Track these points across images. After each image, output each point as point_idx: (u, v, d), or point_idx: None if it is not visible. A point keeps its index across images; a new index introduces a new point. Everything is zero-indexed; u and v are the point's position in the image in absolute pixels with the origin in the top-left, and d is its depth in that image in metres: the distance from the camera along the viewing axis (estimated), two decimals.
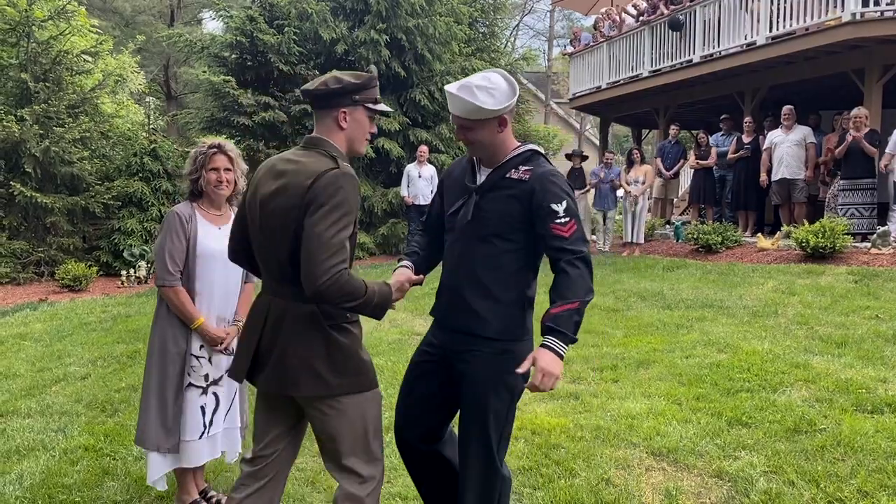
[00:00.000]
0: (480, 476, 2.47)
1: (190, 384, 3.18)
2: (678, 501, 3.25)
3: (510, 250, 2.45)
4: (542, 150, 2.54)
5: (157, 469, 3.18)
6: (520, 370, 2.26)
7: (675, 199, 14.52)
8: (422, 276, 2.71)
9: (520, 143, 2.53)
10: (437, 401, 2.63)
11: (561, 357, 2.25)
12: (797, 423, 3.97)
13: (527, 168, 2.43)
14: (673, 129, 13.38)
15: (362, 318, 2.41)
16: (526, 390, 2.37)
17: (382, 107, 2.45)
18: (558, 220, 2.35)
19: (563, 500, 3.28)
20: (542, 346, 2.26)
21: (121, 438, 4.28)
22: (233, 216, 3.19)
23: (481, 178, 2.53)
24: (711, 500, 3.27)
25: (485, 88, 2.34)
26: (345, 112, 2.34)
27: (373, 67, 2.52)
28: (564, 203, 2.37)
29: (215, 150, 3.19)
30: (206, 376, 3.23)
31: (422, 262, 2.78)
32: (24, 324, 8.00)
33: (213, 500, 3.40)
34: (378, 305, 2.28)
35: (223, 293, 3.25)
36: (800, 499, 3.18)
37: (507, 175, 2.46)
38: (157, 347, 3.18)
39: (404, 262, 2.72)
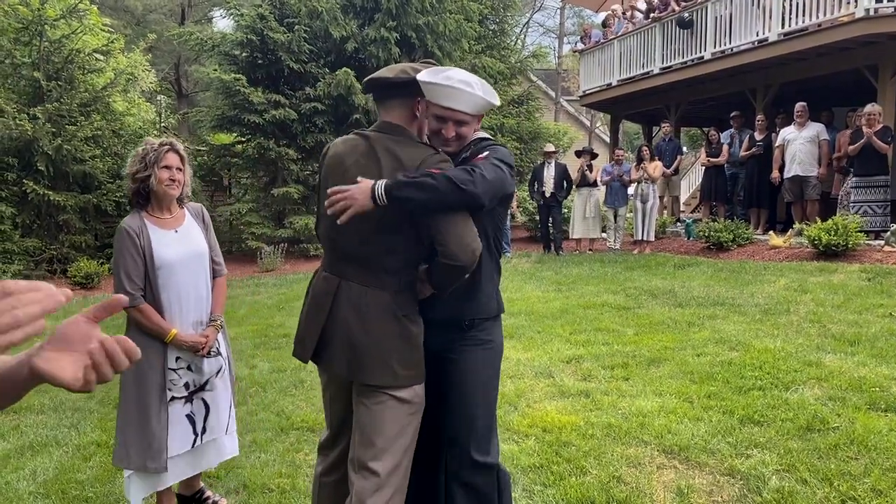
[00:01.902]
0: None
1: (172, 398, 3.06)
2: (690, 499, 3.24)
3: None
4: (488, 135, 2.53)
5: (139, 490, 3.05)
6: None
7: (681, 197, 14.45)
8: None
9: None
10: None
11: (374, 191, 2.17)
12: (810, 422, 3.94)
13: (478, 151, 2.41)
14: (665, 127, 13.44)
15: None
16: None
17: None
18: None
19: (574, 497, 3.27)
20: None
21: None
22: (186, 217, 3.17)
23: None
24: (723, 499, 3.25)
25: (480, 85, 2.36)
26: (419, 101, 2.38)
27: (433, 61, 2.56)
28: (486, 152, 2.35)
29: (168, 147, 3.05)
30: (187, 384, 3.10)
31: None
32: None
33: (209, 501, 3.37)
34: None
35: (194, 297, 3.11)
36: (812, 497, 3.16)
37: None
38: (132, 367, 3.06)
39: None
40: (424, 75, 2.34)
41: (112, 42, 13.82)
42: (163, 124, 14.34)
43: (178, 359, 3.07)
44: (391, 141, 2.33)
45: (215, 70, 14.33)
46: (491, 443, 2.48)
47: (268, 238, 13.93)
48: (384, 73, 2.37)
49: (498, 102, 2.39)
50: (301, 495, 3.41)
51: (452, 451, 2.43)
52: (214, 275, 3.25)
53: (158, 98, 23.41)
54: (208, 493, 3.42)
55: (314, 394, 5.05)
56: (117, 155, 13.05)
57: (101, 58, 13.55)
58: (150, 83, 17.22)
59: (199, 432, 3.13)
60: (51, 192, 11.31)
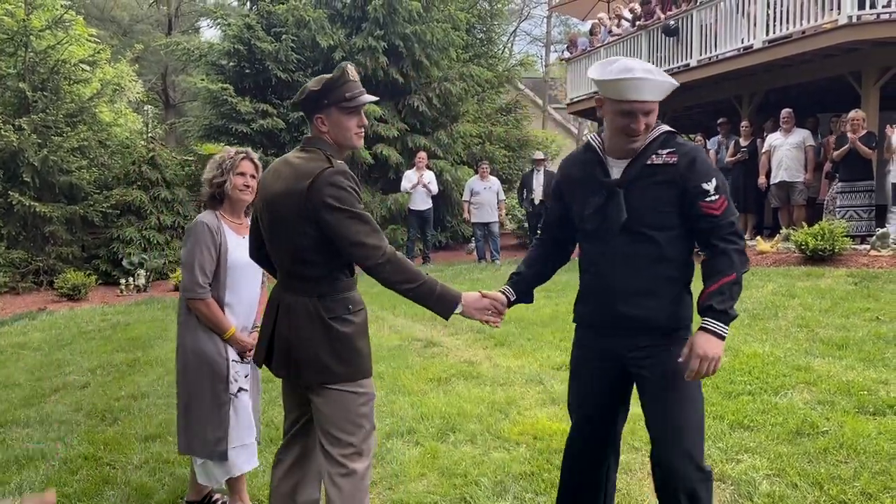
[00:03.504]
0: (690, 475, 2.38)
1: (240, 388, 3.20)
2: None
3: (670, 239, 2.40)
4: (670, 128, 2.45)
5: (215, 476, 3.19)
6: (680, 359, 2.24)
7: None
8: (509, 300, 2.74)
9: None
10: (608, 401, 2.62)
11: (721, 337, 2.22)
12: (799, 426, 3.96)
13: (669, 150, 2.37)
14: None
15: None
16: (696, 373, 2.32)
17: (361, 100, 2.48)
18: (709, 199, 2.32)
19: None
20: (700, 329, 2.25)
21: (121, 447, 4.26)
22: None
23: (615, 171, 2.44)
24: None
25: (655, 69, 2.31)
26: (321, 118, 2.45)
27: (343, 64, 2.55)
28: (714, 181, 2.33)
29: (243, 155, 3.23)
30: (246, 377, 3.28)
31: (529, 279, 2.79)
32: (23, 333, 7.98)
33: (219, 502, 3.40)
34: (441, 298, 2.41)
35: (247, 302, 3.27)
36: (803, 501, 3.17)
37: (649, 162, 2.38)
38: (196, 356, 3.15)
39: (501, 289, 2.73)
40: (596, 73, 2.31)
41: (98, 52, 13.77)
42: (150, 134, 14.26)
43: (239, 353, 3.24)
44: (297, 153, 2.51)
45: (202, 80, 14.30)
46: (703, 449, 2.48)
47: None
48: (308, 85, 2.52)
49: (677, 83, 2.38)
50: None
51: (680, 459, 2.38)
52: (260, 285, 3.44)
53: (145, 108, 23.30)
54: (216, 495, 3.43)
55: None
56: (104, 165, 12.97)
57: (88, 68, 13.49)
58: (137, 93, 17.17)
59: (258, 427, 3.29)
60: (37, 204, 11.23)
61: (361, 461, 2.46)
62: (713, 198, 2.32)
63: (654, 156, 2.38)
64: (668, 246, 2.39)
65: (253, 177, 3.24)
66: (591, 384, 2.61)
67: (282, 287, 2.54)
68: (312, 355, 2.42)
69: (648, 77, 2.24)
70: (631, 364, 2.48)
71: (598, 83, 2.32)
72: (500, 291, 2.70)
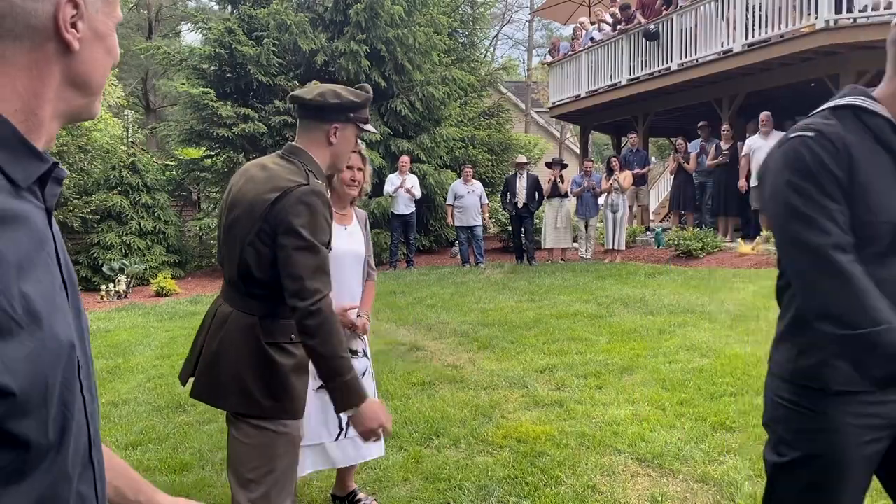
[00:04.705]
0: None
1: (320, 386, 3.10)
2: None
3: None
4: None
5: (312, 464, 3.12)
6: None
7: (650, 206, 14.62)
8: None
9: None
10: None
11: None
12: None
13: None
14: (632, 138, 13.67)
15: None
16: None
17: (371, 128, 2.42)
18: None
19: None
20: None
21: None
22: (354, 218, 3.31)
23: None
24: None
25: None
26: (337, 127, 2.28)
27: (368, 87, 2.53)
28: None
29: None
30: None
31: None
32: None
33: (362, 503, 3.38)
34: (349, 386, 2.07)
35: (348, 294, 3.18)
36: None
37: None
38: None
39: None
40: None
41: None
42: (130, 139, 14.17)
43: None
44: (275, 159, 2.29)
45: (183, 84, 14.21)
46: None
47: None
48: (304, 92, 2.31)
49: None
50: None
51: None
52: (367, 278, 3.39)
53: (126, 113, 23.14)
54: (361, 494, 3.40)
55: None
56: (84, 170, 12.87)
57: None
58: (118, 98, 17.02)
59: (346, 426, 3.13)
60: None
61: (259, 497, 2.21)
62: None
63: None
64: None
65: (360, 169, 3.21)
66: (864, 479, 1.73)
67: (223, 297, 2.31)
68: (239, 379, 2.17)
69: None
70: None
71: None
72: None
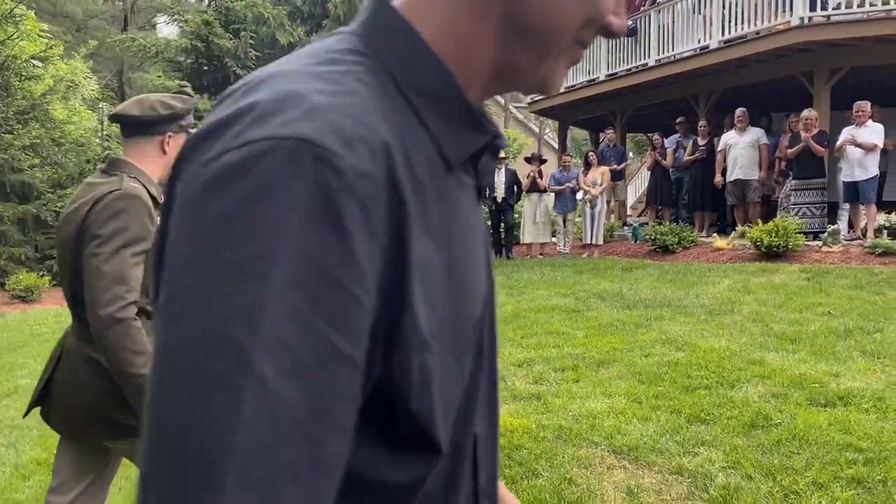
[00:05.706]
0: None
1: None
2: (639, 499, 3.28)
3: None
4: None
5: None
6: None
7: (627, 201, 14.72)
8: None
9: None
10: None
11: None
12: (754, 419, 4.04)
13: None
14: (609, 134, 13.76)
15: None
16: None
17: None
18: None
19: (526, 501, 3.28)
20: None
21: None
22: None
23: None
24: (672, 497, 3.30)
25: None
26: (171, 136, 2.28)
27: (190, 91, 2.49)
28: None
29: None
30: None
31: None
32: None
33: None
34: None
35: None
36: (757, 492, 3.23)
37: None
38: None
39: None
40: None
41: (50, 48, 13.44)
42: (105, 132, 13.99)
43: None
44: (96, 176, 2.22)
45: (159, 77, 14.09)
46: None
47: None
48: (130, 108, 2.24)
49: None
50: None
51: None
52: None
53: (101, 106, 22.87)
54: None
55: None
56: (57, 164, 12.69)
57: (39, 64, 13.16)
58: (92, 90, 16.78)
59: None
60: None
61: None
62: None
63: None
64: None
65: None
66: None
67: (70, 328, 2.22)
68: (96, 412, 2.08)
69: None
70: None
71: None
72: None
